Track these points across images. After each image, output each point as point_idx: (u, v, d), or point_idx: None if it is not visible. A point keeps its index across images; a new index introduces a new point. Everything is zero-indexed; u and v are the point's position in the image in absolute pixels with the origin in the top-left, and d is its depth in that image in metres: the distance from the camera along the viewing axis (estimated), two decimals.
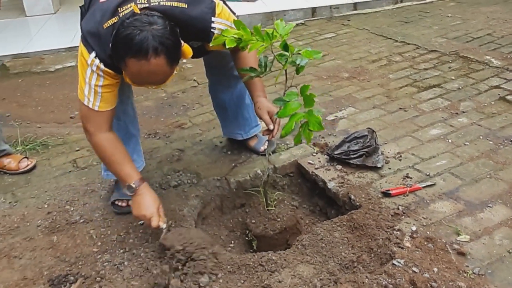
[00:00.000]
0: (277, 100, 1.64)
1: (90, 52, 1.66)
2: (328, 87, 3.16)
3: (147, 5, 1.63)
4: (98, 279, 1.68)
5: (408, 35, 4.04)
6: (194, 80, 3.50)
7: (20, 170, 2.45)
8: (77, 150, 2.63)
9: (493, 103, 2.74)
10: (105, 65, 1.66)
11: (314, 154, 2.35)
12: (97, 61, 1.65)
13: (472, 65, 3.28)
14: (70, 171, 2.43)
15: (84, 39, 1.67)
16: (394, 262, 1.54)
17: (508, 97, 2.77)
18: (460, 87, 2.97)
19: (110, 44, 1.57)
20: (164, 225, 1.75)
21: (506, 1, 4.78)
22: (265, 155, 2.22)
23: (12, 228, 2.01)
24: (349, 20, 4.70)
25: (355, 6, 5.19)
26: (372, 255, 1.62)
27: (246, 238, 2.05)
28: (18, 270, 1.77)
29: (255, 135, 2.43)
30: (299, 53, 1.62)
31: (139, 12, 1.58)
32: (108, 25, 1.62)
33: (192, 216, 2.01)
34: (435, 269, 1.50)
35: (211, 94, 2.42)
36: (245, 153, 2.42)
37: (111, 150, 1.78)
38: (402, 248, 1.61)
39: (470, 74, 3.15)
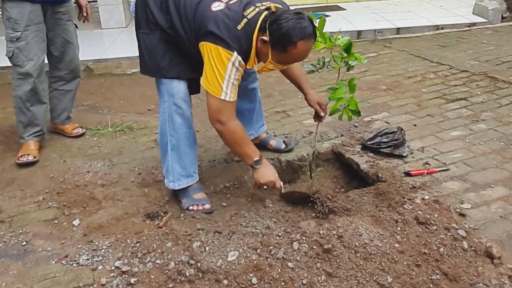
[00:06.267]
0: (330, 88, 2.21)
1: (232, 51, 1.98)
2: (367, 96, 3.66)
3: (268, 4, 2.07)
4: (182, 214, 2.24)
5: (443, 57, 4.49)
6: None
7: (73, 135, 3.21)
8: (156, 133, 3.22)
9: (511, 114, 3.16)
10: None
11: (351, 144, 2.85)
12: (239, 57, 2.00)
13: (497, 84, 3.70)
14: (152, 147, 3.04)
15: (223, 42, 1.98)
16: (405, 206, 2.03)
17: None
18: (484, 101, 3.40)
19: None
20: (283, 185, 2.31)
21: None
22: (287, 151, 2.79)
23: (113, 182, 2.62)
24: (390, 43, 5.19)
25: (397, 30, 5.70)
26: (390, 208, 2.10)
27: None
28: (121, 208, 2.36)
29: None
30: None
31: (274, 10, 2.05)
32: (241, 26, 2.00)
33: (251, 182, 2.56)
34: (436, 215, 1.97)
35: None
36: (294, 141, 2.95)
37: (242, 134, 2.14)
38: (413, 202, 2.09)
39: (495, 91, 3.57)
